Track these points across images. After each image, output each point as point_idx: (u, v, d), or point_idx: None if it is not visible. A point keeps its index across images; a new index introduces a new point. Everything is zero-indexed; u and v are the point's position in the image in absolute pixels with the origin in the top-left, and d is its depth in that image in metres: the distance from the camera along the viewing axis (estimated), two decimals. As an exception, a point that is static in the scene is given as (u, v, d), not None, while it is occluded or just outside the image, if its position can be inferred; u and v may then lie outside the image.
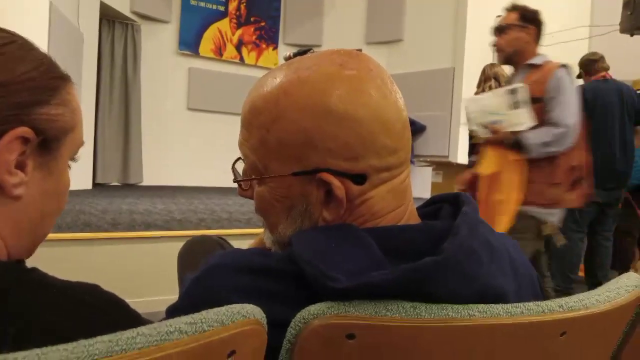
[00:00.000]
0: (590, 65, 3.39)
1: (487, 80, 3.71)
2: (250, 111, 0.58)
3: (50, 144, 0.52)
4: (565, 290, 3.24)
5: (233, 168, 0.64)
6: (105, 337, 0.34)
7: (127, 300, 0.50)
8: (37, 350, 0.31)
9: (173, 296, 0.71)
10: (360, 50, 0.70)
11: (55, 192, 0.55)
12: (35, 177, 0.51)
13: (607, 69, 3.38)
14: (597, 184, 3.22)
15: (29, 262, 0.49)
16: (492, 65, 3.80)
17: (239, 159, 0.63)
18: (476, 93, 3.75)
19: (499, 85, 3.60)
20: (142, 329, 0.35)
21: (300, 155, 0.54)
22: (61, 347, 0.32)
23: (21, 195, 0.50)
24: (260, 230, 0.66)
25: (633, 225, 3.69)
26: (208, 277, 0.51)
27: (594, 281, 3.34)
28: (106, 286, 0.50)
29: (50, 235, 2.39)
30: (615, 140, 3.20)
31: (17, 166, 0.49)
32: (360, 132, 0.53)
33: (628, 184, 3.34)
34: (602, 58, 3.40)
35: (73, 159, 0.58)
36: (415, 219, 0.60)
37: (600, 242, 3.38)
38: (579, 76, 3.55)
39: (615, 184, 3.23)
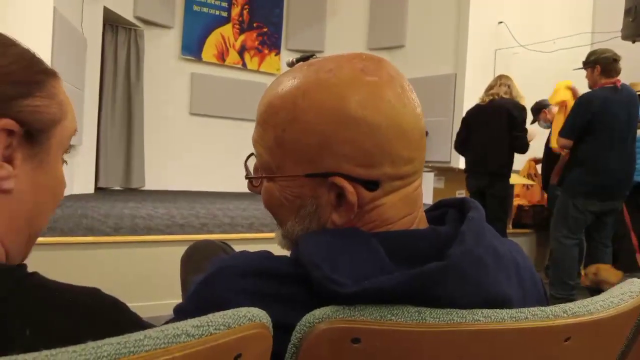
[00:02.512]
0: (613, 65, 3.19)
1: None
2: (267, 110, 0.57)
3: (37, 135, 0.52)
4: (564, 297, 3.23)
5: (245, 164, 0.64)
6: (114, 340, 0.34)
7: (130, 305, 0.51)
8: (47, 352, 0.32)
9: (175, 300, 0.71)
10: None
11: (49, 186, 0.55)
12: (26, 170, 0.51)
13: (620, 72, 3.22)
14: (593, 195, 3.22)
15: (30, 266, 0.49)
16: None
17: (251, 154, 0.62)
18: (481, 99, 3.77)
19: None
20: (150, 332, 0.35)
21: (315, 157, 0.54)
22: (70, 348, 0.32)
23: (11, 188, 0.50)
24: (269, 235, 0.66)
25: (634, 229, 3.68)
26: (215, 279, 0.51)
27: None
28: (108, 290, 0.50)
29: (53, 239, 2.39)
30: (616, 155, 3.15)
31: (5, 159, 0.49)
32: (377, 140, 0.52)
33: (625, 194, 3.31)
34: (619, 58, 3.23)
35: (66, 151, 0.58)
36: (424, 225, 0.60)
37: (598, 247, 3.38)
38: (583, 66, 3.32)
39: (612, 196, 3.22)
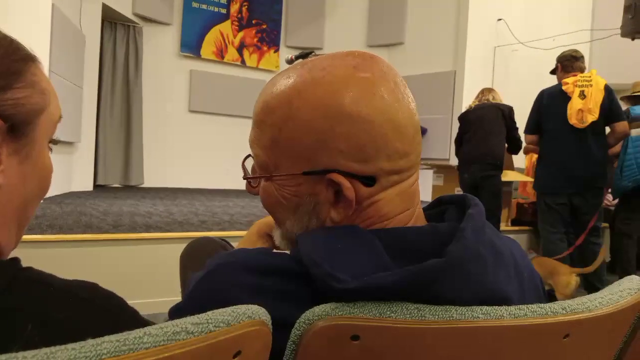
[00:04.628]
0: (571, 62, 3.37)
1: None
2: (263, 110, 0.58)
3: (21, 128, 0.50)
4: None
5: (243, 165, 0.64)
6: (113, 337, 0.34)
7: (128, 302, 0.50)
8: (46, 350, 0.32)
9: (174, 298, 0.71)
10: None
11: (37, 177, 0.53)
12: (12, 164, 0.50)
13: (583, 70, 3.38)
14: (553, 187, 3.27)
15: (29, 263, 0.49)
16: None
17: (248, 156, 0.63)
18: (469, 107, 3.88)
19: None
20: (150, 329, 0.35)
21: (311, 155, 0.54)
22: (69, 346, 0.32)
23: (0, 184, 0.49)
24: (244, 232, 0.66)
25: (632, 228, 3.68)
26: (215, 275, 0.51)
27: (588, 284, 3.34)
28: (107, 287, 0.50)
29: (52, 237, 2.40)
30: (566, 148, 3.21)
31: None
32: (372, 135, 0.53)
33: (593, 189, 3.31)
34: (582, 58, 3.41)
35: (53, 141, 0.56)
36: (422, 222, 0.60)
37: (584, 243, 3.38)
38: (552, 71, 3.57)
39: (572, 188, 3.24)
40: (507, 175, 4.02)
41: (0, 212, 0.50)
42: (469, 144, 3.77)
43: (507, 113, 3.71)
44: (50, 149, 0.57)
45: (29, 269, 0.47)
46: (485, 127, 3.69)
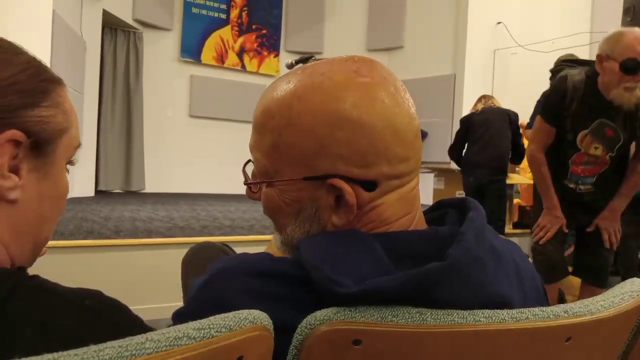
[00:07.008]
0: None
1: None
2: (263, 114, 0.58)
3: (43, 146, 0.51)
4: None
5: (243, 170, 0.64)
6: (115, 343, 0.34)
7: (130, 308, 0.50)
8: (49, 356, 0.32)
9: (176, 303, 0.71)
10: None
11: (53, 196, 0.54)
12: (31, 181, 0.51)
13: None
14: None
15: (31, 270, 0.49)
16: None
17: (249, 161, 0.63)
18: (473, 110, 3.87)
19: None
20: (151, 335, 0.35)
21: (312, 160, 0.54)
22: (72, 352, 0.32)
23: (17, 199, 0.50)
24: (269, 237, 0.66)
25: (637, 230, 3.66)
26: (216, 280, 0.51)
27: None
28: (109, 293, 0.50)
29: (53, 243, 2.39)
30: None
31: (11, 170, 0.49)
32: (373, 140, 0.53)
33: None
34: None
35: (71, 162, 0.58)
36: (423, 226, 0.60)
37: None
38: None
39: None
40: (511, 179, 4.01)
41: (16, 227, 0.51)
42: (475, 147, 3.74)
43: (513, 119, 3.71)
44: (67, 170, 0.58)
45: (34, 276, 0.47)
46: (491, 130, 3.67)
